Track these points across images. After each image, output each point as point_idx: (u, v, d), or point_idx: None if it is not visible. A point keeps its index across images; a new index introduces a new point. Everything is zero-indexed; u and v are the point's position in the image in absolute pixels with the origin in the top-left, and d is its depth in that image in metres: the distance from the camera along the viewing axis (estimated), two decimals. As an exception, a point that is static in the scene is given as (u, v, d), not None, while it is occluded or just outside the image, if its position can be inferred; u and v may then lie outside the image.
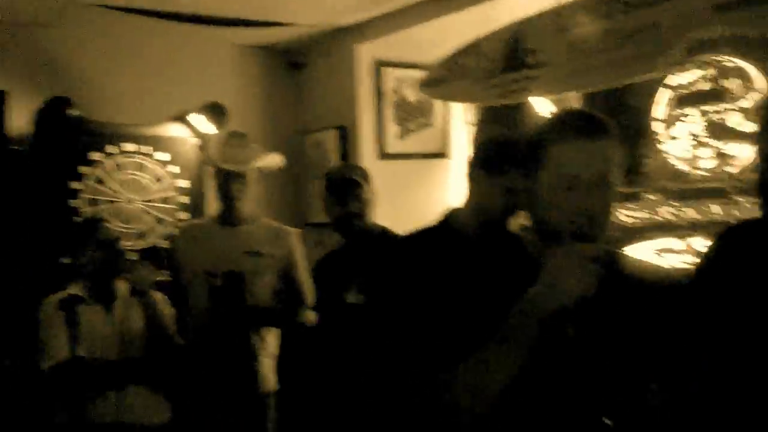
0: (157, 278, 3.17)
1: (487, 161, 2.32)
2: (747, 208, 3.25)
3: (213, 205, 3.90)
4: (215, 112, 4.23)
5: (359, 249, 3.01)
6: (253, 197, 3.36)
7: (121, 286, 3.15)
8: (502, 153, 2.30)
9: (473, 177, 2.38)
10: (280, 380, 3.35)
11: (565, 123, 1.59)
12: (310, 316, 3.31)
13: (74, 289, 3.07)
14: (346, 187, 3.02)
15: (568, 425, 1.55)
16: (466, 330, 1.55)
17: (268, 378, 3.29)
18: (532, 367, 1.47)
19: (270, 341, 3.33)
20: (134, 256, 3.30)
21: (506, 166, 2.26)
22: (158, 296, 3.17)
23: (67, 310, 2.90)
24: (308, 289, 3.32)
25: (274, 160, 3.47)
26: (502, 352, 1.47)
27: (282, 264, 3.31)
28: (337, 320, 2.98)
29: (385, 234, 3.07)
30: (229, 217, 3.32)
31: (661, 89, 3.52)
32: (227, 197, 3.27)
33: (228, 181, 3.25)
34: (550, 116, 1.77)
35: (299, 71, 4.80)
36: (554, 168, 1.54)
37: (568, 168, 1.53)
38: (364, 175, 3.09)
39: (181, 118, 4.30)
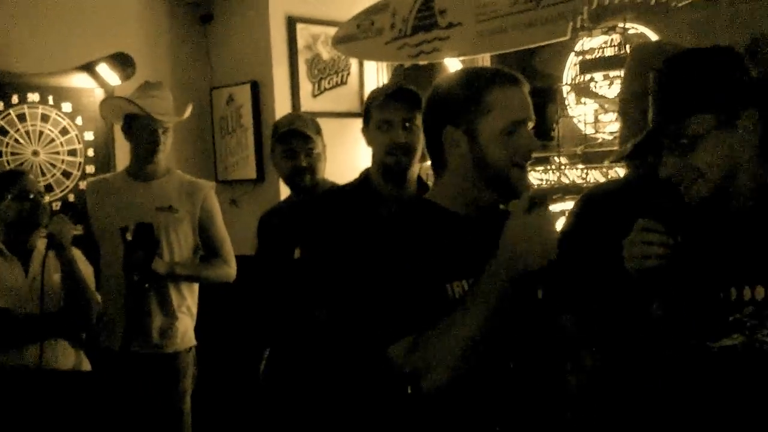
0: (75, 233, 3.08)
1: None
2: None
3: (123, 160, 3.82)
4: (122, 62, 4.11)
5: (307, 205, 2.89)
6: (165, 150, 3.29)
7: (39, 240, 3.05)
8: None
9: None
10: (200, 336, 3.33)
11: (496, 73, 1.69)
12: (229, 271, 3.30)
13: None
14: (297, 138, 2.90)
15: (532, 386, 1.64)
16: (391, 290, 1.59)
17: (186, 334, 3.27)
18: (501, 331, 1.52)
19: (188, 295, 3.30)
20: (55, 209, 3.21)
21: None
22: (76, 253, 3.09)
23: None
24: (224, 243, 3.31)
25: (185, 109, 3.40)
26: (468, 317, 1.50)
27: (197, 219, 3.26)
28: (282, 279, 2.84)
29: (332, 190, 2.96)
30: (142, 170, 3.26)
31: (568, 54, 3.56)
32: (148, 149, 3.20)
33: (149, 132, 3.18)
34: (463, 73, 1.80)
35: (209, 24, 4.68)
36: (499, 114, 1.62)
37: (514, 112, 1.64)
38: (316, 127, 2.99)
39: (86, 68, 4.16)
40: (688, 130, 1.51)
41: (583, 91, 3.39)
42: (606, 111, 3.44)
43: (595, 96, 3.39)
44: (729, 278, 1.49)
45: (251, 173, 4.44)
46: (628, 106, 1.94)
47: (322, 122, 3.10)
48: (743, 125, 1.51)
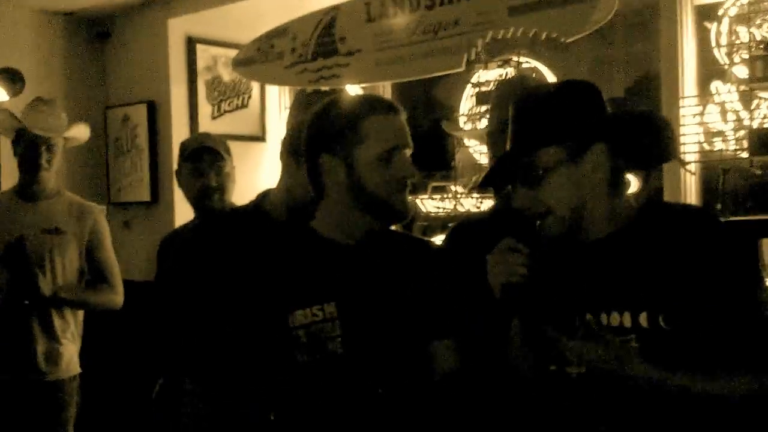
0: None
1: (294, 147, 2.27)
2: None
3: (10, 179, 3.66)
4: (10, 78, 3.96)
5: (211, 228, 2.84)
6: (57, 170, 3.18)
7: None
8: None
9: (283, 161, 2.37)
10: (84, 363, 3.20)
11: (371, 101, 1.75)
12: (116, 298, 3.18)
13: None
14: (207, 157, 2.77)
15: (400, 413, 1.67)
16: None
17: (71, 361, 3.13)
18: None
19: (72, 322, 3.17)
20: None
21: None
22: None
23: None
24: (112, 269, 3.19)
25: (82, 131, 3.29)
26: None
27: (84, 242, 3.15)
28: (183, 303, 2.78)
29: (229, 212, 2.88)
30: (29, 190, 3.13)
31: (464, 84, 3.62)
32: (30, 166, 3.07)
33: (33, 149, 3.06)
34: (339, 101, 1.79)
35: (106, 41, 4.57)
36: (374, 141, 1.66)
37: (389, 140, 1.68)
38: (226, 147, 2.87)
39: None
40: (538, 162, 1.53)
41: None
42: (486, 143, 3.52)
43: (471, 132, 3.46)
44: (585, 304, 1.52)
45: (145, 195, 4.34)
46: (495, 138, 1.96)
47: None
48: (591, 159, 1.52)
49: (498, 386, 1.79)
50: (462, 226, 2.15)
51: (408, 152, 1.71)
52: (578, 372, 1.50)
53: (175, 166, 2.92)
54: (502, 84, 2.07)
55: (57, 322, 3.09)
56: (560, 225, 1.54)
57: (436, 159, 3.94)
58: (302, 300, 1.66)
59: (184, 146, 2.92)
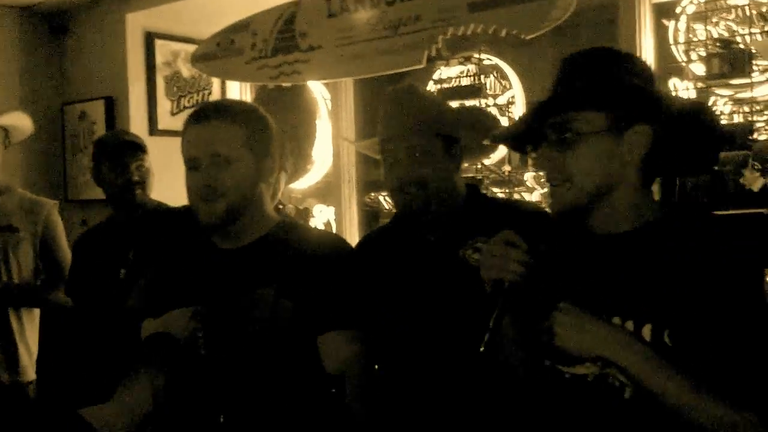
0: None
1: None
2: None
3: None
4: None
5: (135, 222, 2.78)
6: (3, 165, 3.10)
7: None
8: None
9: None
10: (39, 369, 3.13)
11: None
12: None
13: None
14: (128, 151, 2.77)
15: None
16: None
17: (26, 366, 3.07)
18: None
19: (28, 326, 3.10)
20: None
21: None
22: None
23: None
24: (67, 267, 3.06)
25: (21, 120, 3.20)
26: None
27: (38, 239, 3.08)
28: (108, 300, 2.71)
29: (159, 210, 2.87)
30: None
31: (428, 82, 3.62)
32: None
33: None
34: None
35: (63, 36, 4.48)
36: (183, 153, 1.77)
37: (187, 151, 1.75)
38: (143, 144, 2.87)
39: None
40: (574, 124, 1.41)
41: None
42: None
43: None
44: (587, 304, 1.39)
45: (102, 193, 4.24)
46: (388, 145, 1.97)
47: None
48: (631, 139, 1.40)
49: (474, 385, 1.80)
50: (366, 239, 2.22)
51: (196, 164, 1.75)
52: (571, 373, 1.42)
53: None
54: (391, 92, 2.03)
55: (14, 325, 3.02)
56: (574, 197, 1.43)
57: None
58: (179, 301, 1.76)
59: (103, 142, 2.88)
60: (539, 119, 1.46)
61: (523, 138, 1.55)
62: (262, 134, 1.80)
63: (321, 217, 4.09)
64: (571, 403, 1.43)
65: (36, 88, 4.37)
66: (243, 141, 1.75)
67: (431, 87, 3.60)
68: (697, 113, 1.44)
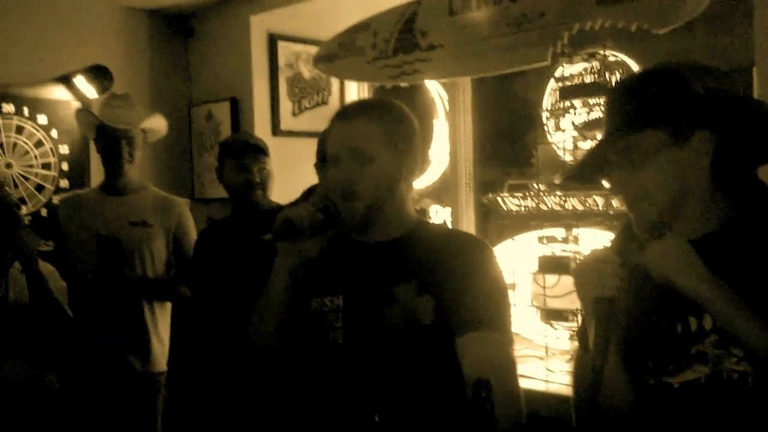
0: (41, 248, 3.00)
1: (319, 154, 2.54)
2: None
3: (97, 176, 3.77)
4: (99, 75, 4.07)
5: (253, 221, 2.86)
6: (139, 164, 3.25)
7: (10, 253, 2.90)
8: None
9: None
10: (169, 359, 3.27)
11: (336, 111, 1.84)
12: None
13: None
14: (250, 154, 2.88)
15: None
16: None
17: (157, 357, 3.21)
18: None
19: (161, 318, 3.23)
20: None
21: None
22: (48, 268, 2.97)
23: None
24: None
25: (159, 122, 3.37)
26: None
27: (171, 235, 3.22)
28: (220, 293, 2.84)
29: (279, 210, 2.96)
30: (114, 185, 3.22)
31: (547, 79, 3.54)
32: (113, 161, 3.15)
33: (114, 143, 3.14)
34: None
35: (190, 39, 4.65)
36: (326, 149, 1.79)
37: (329, 148, 1.78)
38: (266, 147, 2.97)
39: (63, 80, 4.11)
40: (638, 145, 1.46)
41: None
42: (585, 138, 3.42)
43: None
44: (686, 308, 1.41)
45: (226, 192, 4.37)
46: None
47: (302, 141, 3.09)
48: (695, 146, 1.45)
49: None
50: None
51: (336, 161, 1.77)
52: (680, 382, 1.40)
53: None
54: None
55: (148, 317, 3.16)
56: (657, 211, 1.46)
57: (513, 156, 3.88)
58: (318, 289, 1.78)
59: (227, 144, 3.00)
60: (603, 149, 1.52)
61: (592, 170, 1.59)
62: (404, 132, 1.80)
63: (437, 217, 4.08)
64: (690, 412, 1.39)
65: (164, 89, 4.55)
66: (384, 139, 1.75)
67: (552, 85, 3.52)
68: (758, 109, 1.48)
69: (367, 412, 1.61)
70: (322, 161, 2.59)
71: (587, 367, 1.45)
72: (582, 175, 1.64)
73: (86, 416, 3.08)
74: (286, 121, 4.36)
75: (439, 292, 1.68)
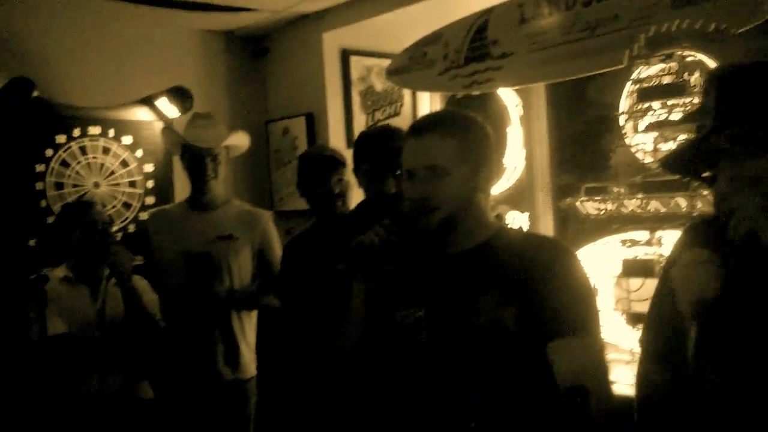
0: (134, 263, 3.12)
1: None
2: (710, 200, 3.25)
3: (181, 191, 3.89)
4: (180, 96, 4.19)
5: (337, 231, 2.93)
6: (224, 180, 3.34)
7: (105, 270, 3.07)
8: None
9: None
10: (258, 365, 3.35)
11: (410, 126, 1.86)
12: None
13: (61, 271, 3.06)
14: (329, 166, 2.92)
15: None
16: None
17: (247, 363, 3.29)
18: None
19: (248, 326, 3.32)
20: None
21: None
22: (141, 282, 3.11)
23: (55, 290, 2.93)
24: None
25: (241, 139, 3.46)
26: None
27: (256, 247, 3.29)
28: (308, 303, 2.87)
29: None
30: (200, 200, 3.31)
31: (625, 82, 3.50)
32: (199, 178, 3.25)
33: (199, 161, 3.23)
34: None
35: (263, 57, 4.76)
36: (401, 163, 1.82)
37: (404, 163, 1.80)
38: (343, 158, 3.01)
39: (145, 102, 4.25)
40: (756, 132, 1.42)
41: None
42: (666, 140, 3.37)
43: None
44: None
45: (305, 204, 4.44)
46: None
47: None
48: None
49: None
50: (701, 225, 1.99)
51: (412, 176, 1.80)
52: None
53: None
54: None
55: (236, 325, 3.24)
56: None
57: (589, 160, 3.84)
58: (401, 302, 1.81)
59: (306, 157, 3.04)
60: (710, 139, 1.49)
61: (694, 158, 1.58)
62: (479, 144, 1.81)
63: (515, 223, 4.07)
64: None
65: (241, 107, 4.67)
66: (458, 153, 1.76)
67: (629, 87, 3.48)
68: None
69: (462, 420, 1.63)
70: (359, 167, 2.69)
71: (660, 376, 1.42)
72: (683, 162, 1.61)
73: (181, 425, 3.17)
74: (361, 133, 4.41)
75: (524, 298, 1.67)
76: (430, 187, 1.75)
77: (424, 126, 1.81)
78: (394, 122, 4.54)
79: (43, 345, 2.85)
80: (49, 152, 4.00)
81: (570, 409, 1.20)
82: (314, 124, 4.46)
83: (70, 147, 4.07)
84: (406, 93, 4.56)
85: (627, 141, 3.52)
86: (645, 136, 3.45)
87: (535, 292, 1.67)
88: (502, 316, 1.67)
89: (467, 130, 1.80)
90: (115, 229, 4.06)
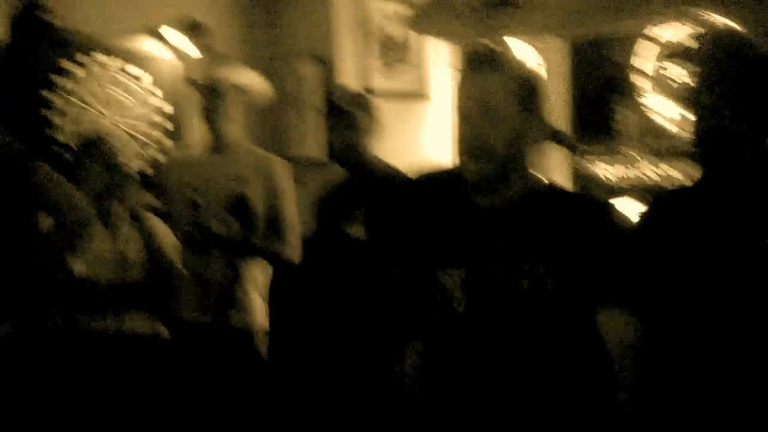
0: (149, 203, 3.11)
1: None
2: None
3: (197, 133, 3.85)
4: (193, 29, 4.12)
5: (362, 182, 2.91)
6: (239, 122, 3.30)
7: (121, 208, 3.04)
8: None
9: None
10: (269, 318, 3.32)
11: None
12: (289, 252, 3.24)
13: None
14: (347, 115, 2.92)
15: None
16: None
17: (258, 315, 3.27)
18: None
19: (258, 278, 3.30)
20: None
21: None
22: (158, 223, 3.09)
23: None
24: (291, 223, 3.26)
25: (252, 78, 3.41)
26: None
27: (269, 193, 3.24)
28: (336, 255, 2.90)
29: (388, 170, 2.98)
30: (215, 143, 3.28)
31: (642, 42, 3.45)
32: (213, 120, 3.23)
33: (212, 101, 3.21)
34: None
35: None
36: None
37: (458, 102, 1.68)
38: (367, 103, 2.98)
39: (155, 33, 4.13)
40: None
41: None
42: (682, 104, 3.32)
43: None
44: None
45: (318, 152, 4.39)
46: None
47: (389, 101, 3.06)
48: None
49: None
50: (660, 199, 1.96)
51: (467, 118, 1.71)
52: None
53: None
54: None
55: (246, 275, 3.21)
56: None
57: (605, 121, 3.80)
58: (443, 260, 1.73)
59: (330, 103, 3.05)
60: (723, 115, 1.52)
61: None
62: (534, 93, 1.71)
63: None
64: None
65: (251, 46, 4.56)
66: (515, 96, 1.65)
67: (645, 46, 3.40)
68: None
69: (504, 384, 1.62)
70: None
71: None
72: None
73: (191, 368, 3.16)
74: (374, 80, 4.36)
75: (568, 266, 1.62)
76: (486, 130, 1.65)
77: (481, 60, 1.67)
78: (407, 72, 4.48)
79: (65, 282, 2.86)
80: (55, 78, 3.88)
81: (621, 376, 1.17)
82: (327, 68, 4.37)
83: (76, 74, 3.92)
84: (422, 41, 4.44)
85: (645, 102, 3.46)
86: (666, 101, 3.40)
87: (582, 259, 1.63)
88: (542, 279, 1.63)
89: (524, 75, 1.69)
90: (130, 167, 4.01)
